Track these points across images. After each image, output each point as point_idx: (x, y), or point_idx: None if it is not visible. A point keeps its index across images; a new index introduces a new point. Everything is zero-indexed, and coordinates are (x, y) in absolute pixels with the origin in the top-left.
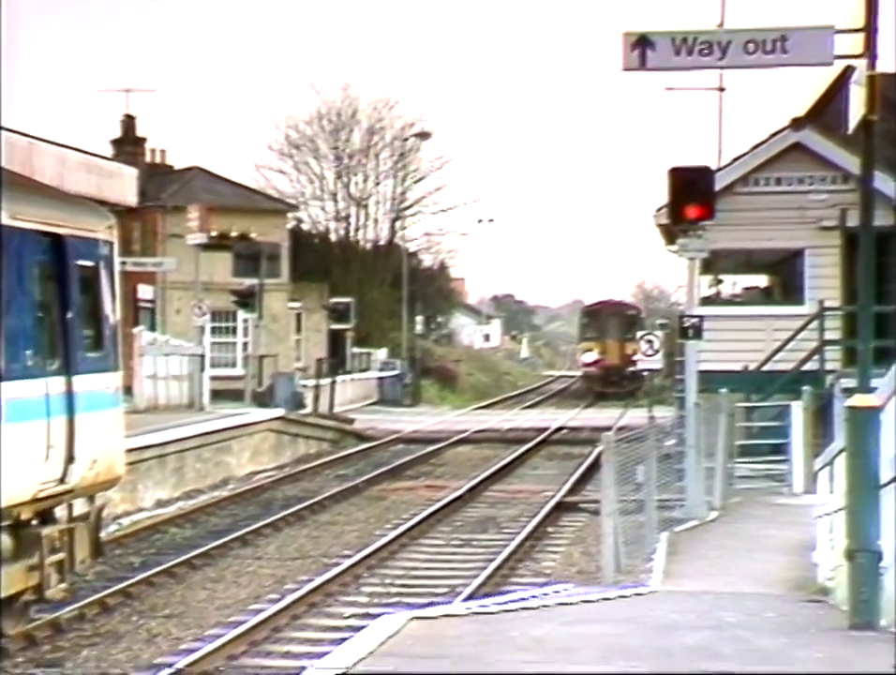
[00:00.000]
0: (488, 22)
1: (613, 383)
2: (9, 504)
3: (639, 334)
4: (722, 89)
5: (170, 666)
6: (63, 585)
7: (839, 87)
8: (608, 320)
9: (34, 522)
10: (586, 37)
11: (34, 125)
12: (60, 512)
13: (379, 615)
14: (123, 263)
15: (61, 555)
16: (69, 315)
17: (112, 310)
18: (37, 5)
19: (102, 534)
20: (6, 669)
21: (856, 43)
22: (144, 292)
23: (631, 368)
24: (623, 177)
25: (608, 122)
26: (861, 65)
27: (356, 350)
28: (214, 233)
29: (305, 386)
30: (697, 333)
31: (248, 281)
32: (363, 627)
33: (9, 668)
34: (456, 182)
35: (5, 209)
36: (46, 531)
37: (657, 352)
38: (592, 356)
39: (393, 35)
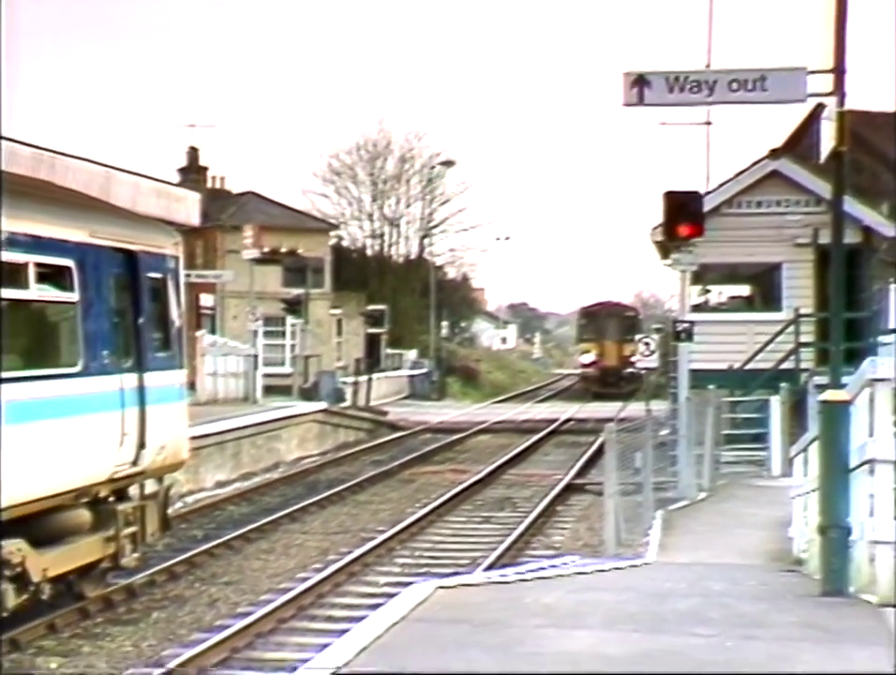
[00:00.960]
0: (506, 64)
1: (611, 384)
2: (90, 484)
3: (637, 336)
4: (709, 123)
5: (220, 629)
6: (136, 555)
7: (812, 121)
8: (606, 321)
9: (110, 499)
10: (591, 77)
11: (111, 155)
12: (133, 491)
13: (410, 583)
14: (187, 275)
15: (134, 528)
16: (141, 320)
17: (178, 316)
18: (111, 49)
19: (169, 511)
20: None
21: (826, 83)
22: (206, 300)
23: (629, 369)
24: (623, 199)
25: (610, 151)
26: (832, 102)
27: (390, 351)
28: (266, 249)
29: (345, 383)
30: (689, 336)
31: (296, 291)
32: (396, 594)
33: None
34: (477, 204)
35: (87, 228)
36: (121, 507)
37: (653, 352)
38: (590, 357)
39: (422, 76)
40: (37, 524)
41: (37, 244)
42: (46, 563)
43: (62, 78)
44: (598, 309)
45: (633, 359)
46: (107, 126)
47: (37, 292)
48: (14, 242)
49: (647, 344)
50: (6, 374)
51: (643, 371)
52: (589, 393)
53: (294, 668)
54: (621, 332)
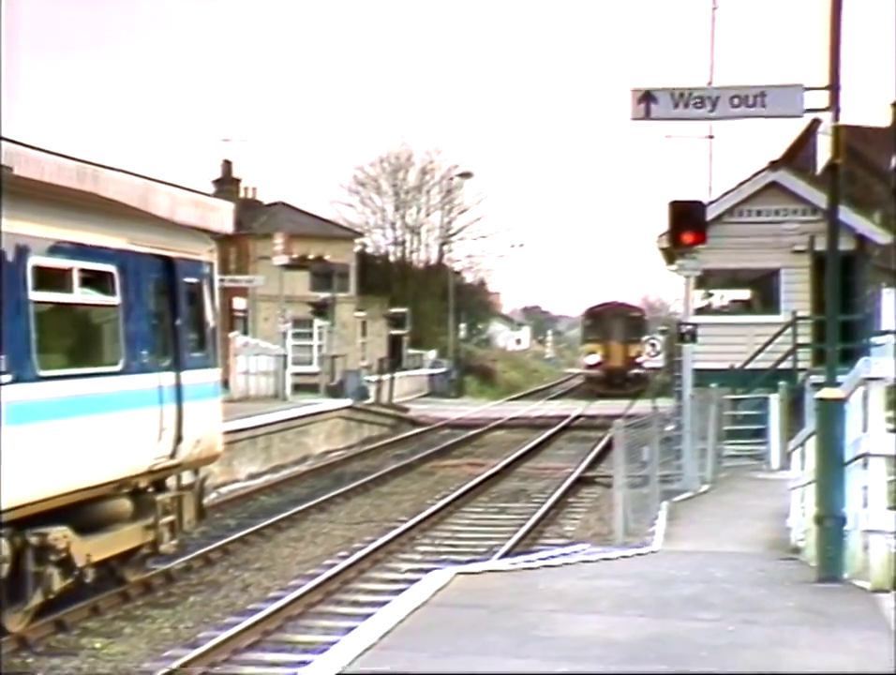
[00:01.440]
0: (521, 81)
1: (616, 385)
2: (131, 475)
3: (644, 337)
4: (711, 137)
5: (252, 612)
6: (173, 542)
7: (809, 135)
8: (611, 321)
9: (150, 490)
10: (600, 93)
11: (151, 167)
12: (171, 482)
13: (430, 570)
14: (221, 280)
15: (172, 517)
16: (178, 322)
17: (213, 318)
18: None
19: (205, 501)
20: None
21: (822, 99)
22: (238, 303)
23: (634, 370)
24: (630, 208)
25: (618, 162)
26: (827, 118)
27: (411, 351)
28: (294, 256)
29: (368, 381)
30: (692, 337)
31: (323, 295)
32: (417, 580)
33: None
34: (493, 213)
35: (127, 236)
36: (159, 497)
37: (659, 353)
38: (595, 358)
39: (441, 93)
40: (82, 512)
41: (80, 251)
42: (89, 549)
43: (102, 92)
44: (603, 310)
45: (638, 360)
46: (146, 139)
47: (80, 295)
48: (59, 249)
49: (653, 345)
50: (51, 372)
51: (649, 372)
52: (593, 394)
53: (323, 651)
54: (627, 333)
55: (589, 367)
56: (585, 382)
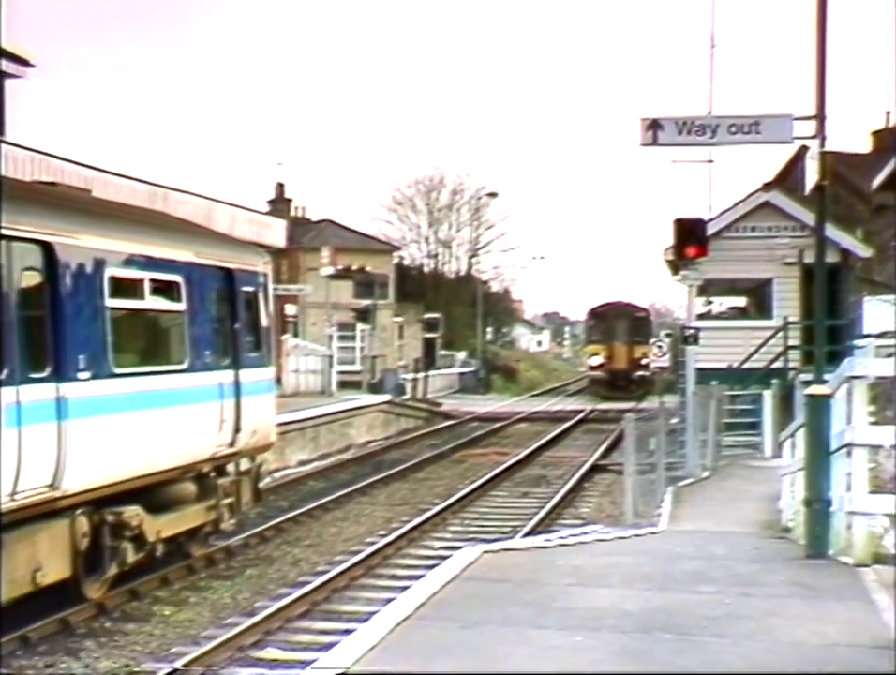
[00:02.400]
0: (541, 111)
1: (620, 388)
2: (195, 461)
3: (649, 338)
4: (711, 161)
5: (301, 584)
6: (232, 521)
7: (798, 160)
8: (615, 322)
9: (212, 475)
10: (614, 120)
11: (213, 189)
12: (230, 468)
13: (460, 548)
14: (275, 289)
15: (231, 499)
16: (237, 326)
17: (267, 322)
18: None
19: (260, 485)
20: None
21: (810, 128)
22: (290, 309)
23: (639, 372)
24: (640, 224)
25: (629, 183)
26: (814, 144)
27: (443, 352)
28: (339, 267)
29: (405, 379)
30: (695, 340)
31: (364, 302)
32: (449, 557)
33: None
34: (517, 229)
35: (192, 250)
36: (220, 481)
37: (665, 354)
38: (599, 359)
39: (471, 121)
40: (153, 494)
41: (151, 263)
42: (159, 527)
43: (163, 119)
44: (606, 310)
45: (643, 361)
46: (207, 163)
47: (151, 302)
48: (133, 261)
49: (660, 347)
50: (124, 370)
51: (654, 373)
52: (598, 396)
53: (365, 620)
54: (631, 333)
55: (593, 368)
56: (588, 384)
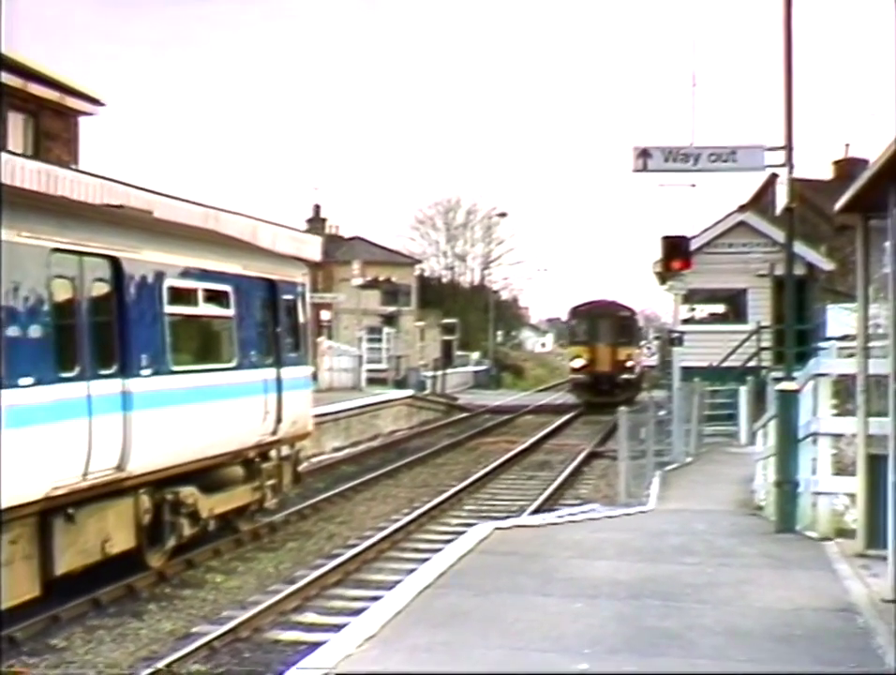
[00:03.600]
0: (544, 142)
1: (604, 392)
2: (242, 447)
3: (636, 338)
4: (693, 185)
5: (335, 556)
6: (275, 500)
7: (769, 185)
8: (598, 322)
9: (257, 460)
10: (609, 148)
11: (257, 209)
12: (273, 453)
13: (474, 524)
14: (312, 297)
15: (274, 481)
16: (279, 329)
17: (305, 326)
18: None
19: (299, 468)
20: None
21: (779, 157)
22: (325, 315)
23: (624, 375)
24: (631, 240)
25: (622, 204)
26: (783, 171)
27: (459, 352)
28: (368, 278)
29: (426, 376)
30: (680, 342)
31: (390, 308)
32: (464, 533)
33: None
34: (524, 244)
35: (240, 263)
36: (264, 465)
37: (654, 354)
38: (580, 362)
39: (483, 148)
40: (206, 476)
41: (204, 275)
42: (212, 505)
43: (216, 146)
44: (589, 309)
45: (628, 364)
46: (254, 186)
47: (204, 309)
48: (188, 274)
49: (649, 348)
50: (181, 368)
51: (640, 376)
52: (581, 403)
53: (392, 587)
54: (615, 334)
55: (575, 371)
56: (571, 388)
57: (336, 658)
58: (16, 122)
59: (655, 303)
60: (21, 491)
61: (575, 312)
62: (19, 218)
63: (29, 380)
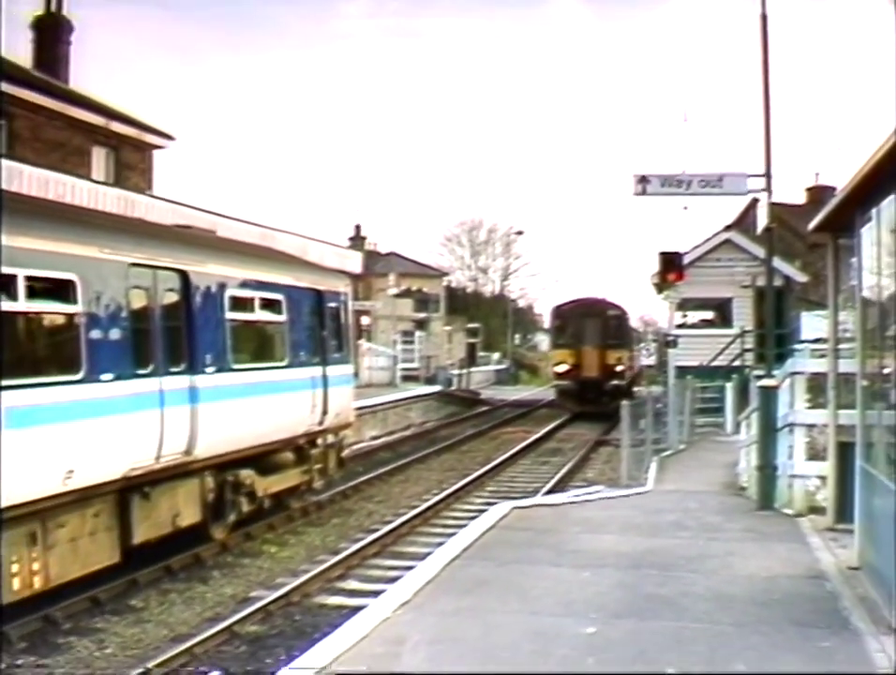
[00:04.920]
0: (556, 166)
1: (590, 401)
2: (293, 436)
3: (628, 341)
4: (686, 207)
5: (374, 531)
6: (322, 482)
7: (751, 208)
8: (584, 322)
9: (306, 446)
10: (615, 173)
11: (306, 229)
12: (320, 441)
13: (495, 504)
14: (353, 305)
15: (321, 465)
16: (325, 333)
17: (348, 330)
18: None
19: (342, 454)
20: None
21: (760, 183)
22: (364, 320)
23: (613, 382)
24: (633, 253)
25: (625, 222)
26: (763, 196)
27: (482, 353)
28: (402, 288)
29: (453, 374)
30: (674, 344)
31: (421, 315)
32: (486, 511)
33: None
34: (538, 258)
35: (292, 275)
36: (312, 451)
37: (652, 355)
38: (565, 367)
39: (503, 172)
40: (262, 460)
41: (261, 285)
42: (266, 485)
43: (267, 170)
44: (573, 307)
45: (618, 369)
46: (304, 207)
47: (260, 315)
48: (247, 284)
49: (648, 349)
50: (240, 366)
51: (631, 383)
52: (565, 410)
53: (424, 558)
54: (603, 335)
55: (558, 377)
56: (555, 396)
57: (374, 621)
58: (99, 155)
59: (653, 310)
60: (103, 472)
61: (559, 312)
62: (102, 237)
63: (110, 375)
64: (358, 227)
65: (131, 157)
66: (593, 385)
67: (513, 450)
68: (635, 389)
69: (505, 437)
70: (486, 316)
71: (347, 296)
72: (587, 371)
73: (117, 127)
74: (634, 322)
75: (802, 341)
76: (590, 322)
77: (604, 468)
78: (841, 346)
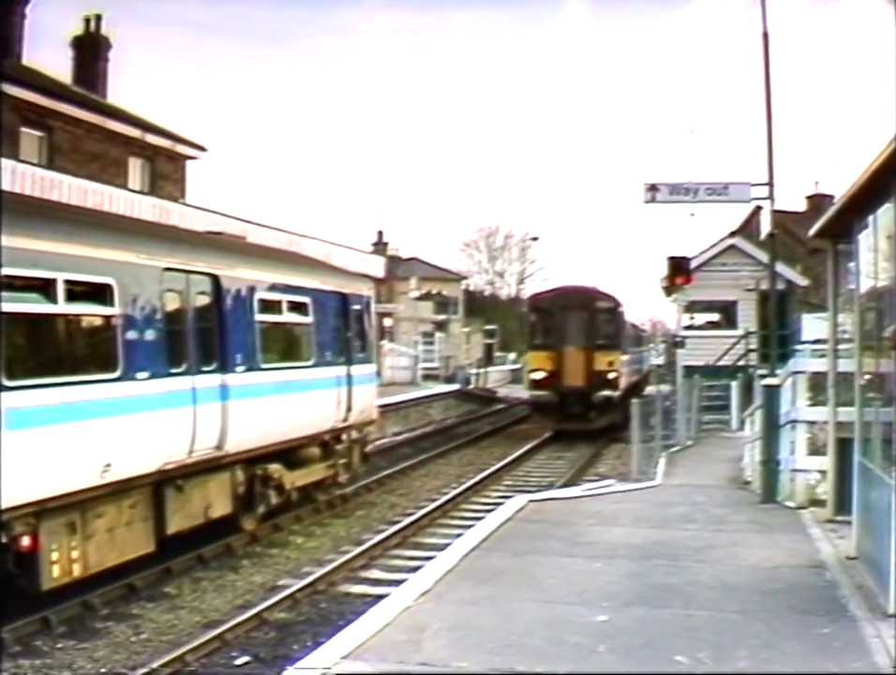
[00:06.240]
0: (570, 176)
1: (574, 417)
2: (319, 432)
3: (629, 342)
4: (693, 214)
5: (396, 522)
6: (346, 476)
7: (754, 214)
8: (567, 316)
9: (331, 442)
10: (626, 180)
11: (330, 234)
12: (344, 437)
13: (511, 497)
14: (376, 307)
15: (345, 460)
16: (349, 334)
17: (371, 331)
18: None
19: (366, 450)
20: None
21: (763, 191)
22: (387, 322)
23: (604, 393)
24: (642, 258)
25: (635, 228)
26: (766, 204)
27: (499, 353)
28: (423, 292)
29: (471, 373)
30: (682, 344)
31: (441, 317)
32: (503, 504)
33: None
34: (553, 263)
35: (318, 279)
36: (337, 447)
37: (661, 355)
38: (541, 374)
39: (520, 182)
40: (290, 455)
41: (288, 289)
42: (294, 479)
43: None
44: (554, 298)
45: (610, 376)
46: (328, 214)
47: (288, 317)
48: (275, 288)
49: (657, 351)
50: (268, 365)
51: (627, 393)
52: (546, 429)
53: (443, 549)
54: (591, 333)
55: (535, 386)
56: (530, 410)
57: (397, 609)
58: (135, 165)
59: (662, 312)
60: (139, 465)
61: (536, 303)
62: (137, 243)
63: (145, 374)
64: (381, 233)
65: (165, 167)
66: (578, 397)
67: (528, 446)
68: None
69: (522, 434)
70: (503, 318)
71: (370, 299)
72: (569, 379)
73: (152, 139)
74: (635, 320)
75: (803, 342)
76: (574, 317)
77: (616, 463)
78: (840, 346)
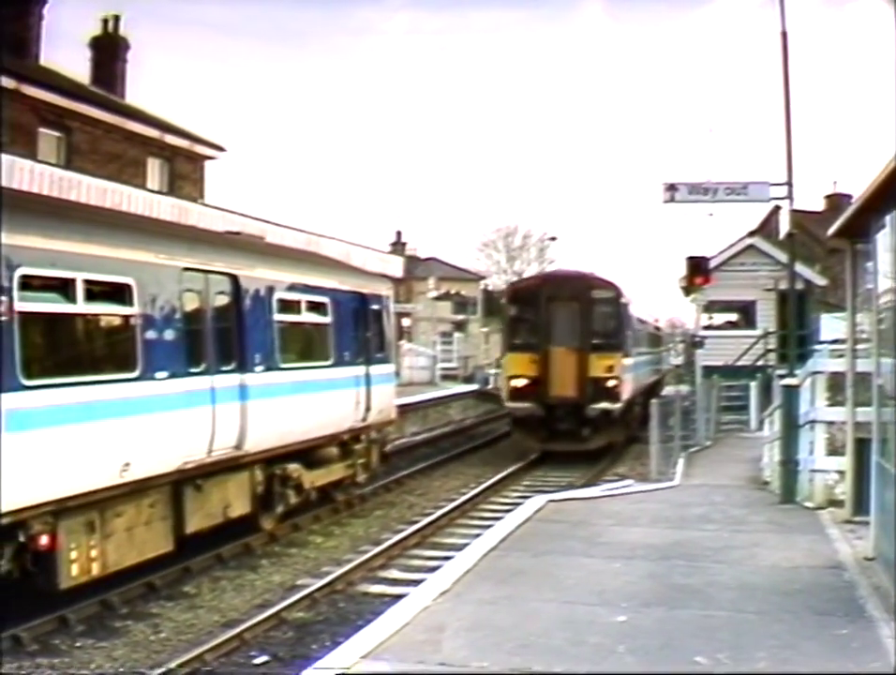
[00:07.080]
0: (589, 176)
1: (563, 435)
2: (338, 431)
3: (637, 342)
4: (711, 214)
5: (414, 522)
6: (365, 475)
7: (773, 214)
8: (556, 308)
9: (350, 442)
10: (643, 181)
11: (349, 234)
12: (363, 437)
13: (530, 497)
14: (394, 307)
15: (364, 460)
16: (368, 334)
17: (390, 331)
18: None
19: (385, 449)
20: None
21: (782, 191)
22: (405, 322)
23: (600, 404)
24: (661, 258)
25: (654, 228)
26: (785, 203)
27: None
28: (441, 292)
29: (489, 373)
30: (701, 345)
31: (459, 317)
32: (522, 504)
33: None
34: (570, 263)
35: (337, 279)
36: (356, 446)
37: (680, 355)
38: (523, 381)
39: (538, 182)
40: (308, 455)
41: (307, 288)
42: (313, 478)
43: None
44: (538, 286)
45: (609, 383)
46: (347, 215)
47: (306, 316)
48: (294, 288)
49: (675, 351)
50: (287, 365)
51: (628, 406)
52: (533, 450)
53: (462, 549)
54: (586, 331)
55: (515, 396)
56: (510, 426)
57: (415, 609)
58: (154, 165)
59: (681, 312)
60: (158, 464)
61: (516, 293)
62: (156, 243)
63: (164, 374)
64: (399, 233)
65: (184, 167)
66: (567, 410)
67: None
68: (660, 392)
69: None
70: None
71: (389, 299)
72: (557, 388)
73: (171, 139)
74: (647, 316)
75: (822, 342)
76: (564, 310)
77: (635, 463)
78: (858, 346)
